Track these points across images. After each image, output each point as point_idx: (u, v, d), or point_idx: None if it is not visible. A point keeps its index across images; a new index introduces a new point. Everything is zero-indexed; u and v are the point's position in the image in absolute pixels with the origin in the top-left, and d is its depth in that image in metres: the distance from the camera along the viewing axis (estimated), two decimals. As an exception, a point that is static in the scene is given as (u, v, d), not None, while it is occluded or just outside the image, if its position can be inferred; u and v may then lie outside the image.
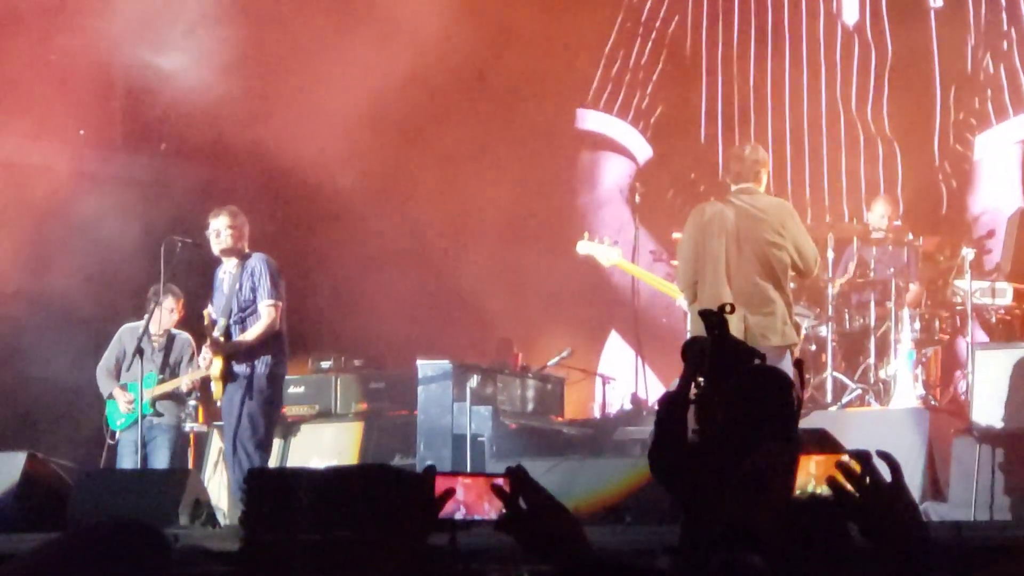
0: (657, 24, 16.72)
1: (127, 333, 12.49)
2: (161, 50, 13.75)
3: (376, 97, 13.97)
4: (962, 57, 15.48)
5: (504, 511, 2.93)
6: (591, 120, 16.99)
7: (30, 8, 13.89)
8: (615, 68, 16.84)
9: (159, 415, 12.34)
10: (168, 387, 12.36)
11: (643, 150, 16.75)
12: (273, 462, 12.80)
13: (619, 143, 16.96)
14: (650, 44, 16.81)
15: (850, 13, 16.02)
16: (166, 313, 12.48)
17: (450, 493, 2.90)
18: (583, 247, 12.03)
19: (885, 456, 2.92)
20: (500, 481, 2.96)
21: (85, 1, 14.07)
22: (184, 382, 12.27)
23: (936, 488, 10.08)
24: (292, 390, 13.37)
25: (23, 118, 13.82)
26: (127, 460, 12.29)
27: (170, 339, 12.51)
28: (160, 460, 12.27)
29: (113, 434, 12.43)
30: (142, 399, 12.06)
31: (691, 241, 10.13)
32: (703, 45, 16.49)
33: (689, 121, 16.29)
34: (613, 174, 16.93)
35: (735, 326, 9.51)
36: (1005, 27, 15.40)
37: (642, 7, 16.84)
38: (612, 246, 11.94)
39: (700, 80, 16.45)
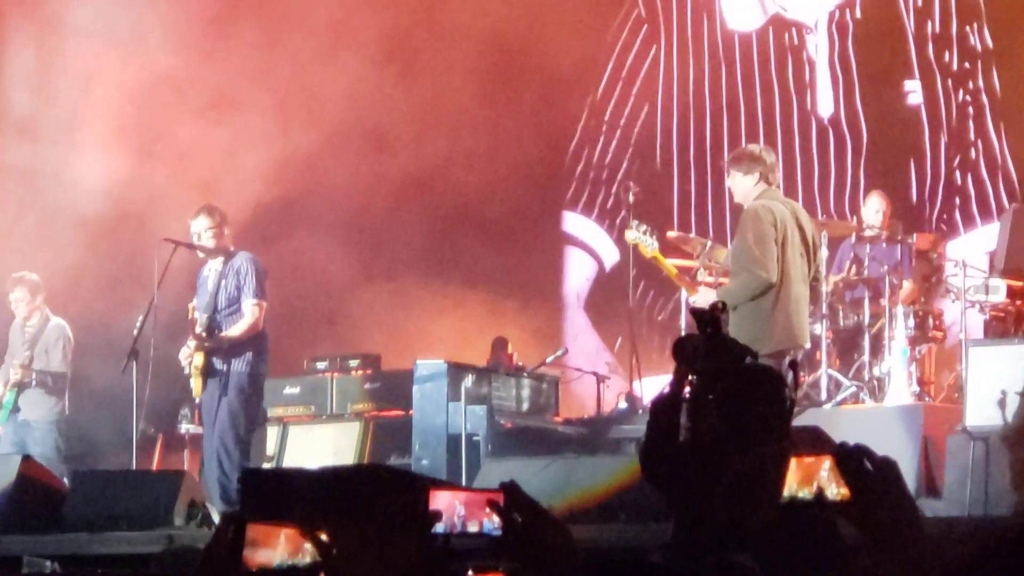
0: (622, 121, 16.64)
1: (14, 330, 12.71)
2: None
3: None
4: (936, 156, 15.51)
5: (502, 527, 2.96)
6: (568, 221, 17.16)
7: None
8: (580, 167, 16.86)
9: (18, 410, 12.45)
10: (15, 378, 12.47)
11: (610, 253, 16.66)
12: (269, 463, 12.82)
13: (587, 245, 17.03)
14: (615, 141, 16.75)
15: (825, 106, 16.01)
16: (21, 305, 12.62)
17: (435, 515, 2.93)
18: (631, 235, 12.06)
19: (882, 458, 2.92)
20: (495, 496, 2.98)
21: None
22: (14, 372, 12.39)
23: (931, 485, 10.09)
24: (288, 391, 13.39)
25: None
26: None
27: (42, 328, 12.63)
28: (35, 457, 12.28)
29: None
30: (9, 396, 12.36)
31: (774, 241, 9.76)
32: (674, 141, 16.38)
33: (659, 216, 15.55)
34: (576, 277, 17.04)
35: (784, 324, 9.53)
36: (972, 137, 15.42)
37: (606, 103, 16.80)
38: (651, 237, 11.94)
39: (671, 176, 16.35)
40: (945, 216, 15.37)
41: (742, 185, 9.92)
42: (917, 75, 15.64)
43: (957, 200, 15.36)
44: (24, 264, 13.30)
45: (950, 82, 15.55)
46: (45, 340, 12.65)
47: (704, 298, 9.88)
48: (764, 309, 9.63)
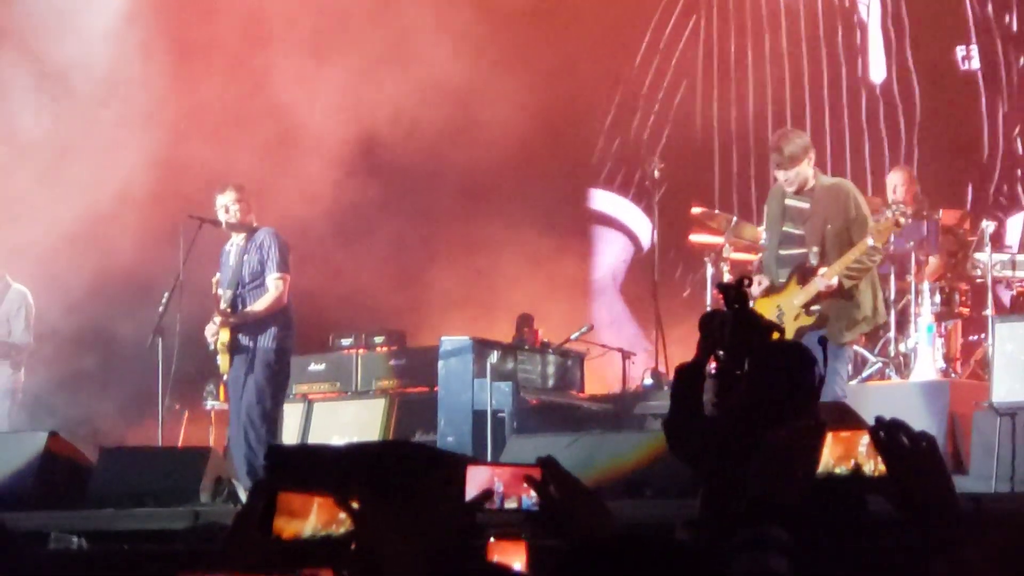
0: (660, 95, 16.31)
1: None
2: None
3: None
4: (995, 125, 15.07)
5: (539, 501, 2.96)
6: (599, 200, 16.93)
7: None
8: (615, 144, 16.61)
9: None
10: None
11: (647, 233, 16.30)
12: (294, 439, 12.83)
13: (624, 224, 16.77)
14: (652, 117, 16.42)
15: (877, 72, 15.62)
16: None
17: (488, 494, 2.92)
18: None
19: (919, 433, 2.88)
20: (533, 472, 2.98)
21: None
22: None
23: (957, 461, 10.07)
24: (313, 367, 13.40)
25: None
26: None
27: (2, 296, 12.75)
28: None
29: None
30: None
31: None
32: (714, 113, 16.08)
33: (699, 194, 14.89)
34: (611, 259, 16.82)
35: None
36: None
37: (643, 78, 16.50)
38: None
39: (712, 151, 16.08)
40: (1005, 188, 15.00)
41: (806, 172, 9.95)
42: (974, 38, 15.19)
43: (1019, 172, 14.95)
44: (67, 236, 13.31)
45: (1010, 46, 15.12)
46: (7, 309, 12.65)
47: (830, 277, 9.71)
48: (877, 283, 9.92)
